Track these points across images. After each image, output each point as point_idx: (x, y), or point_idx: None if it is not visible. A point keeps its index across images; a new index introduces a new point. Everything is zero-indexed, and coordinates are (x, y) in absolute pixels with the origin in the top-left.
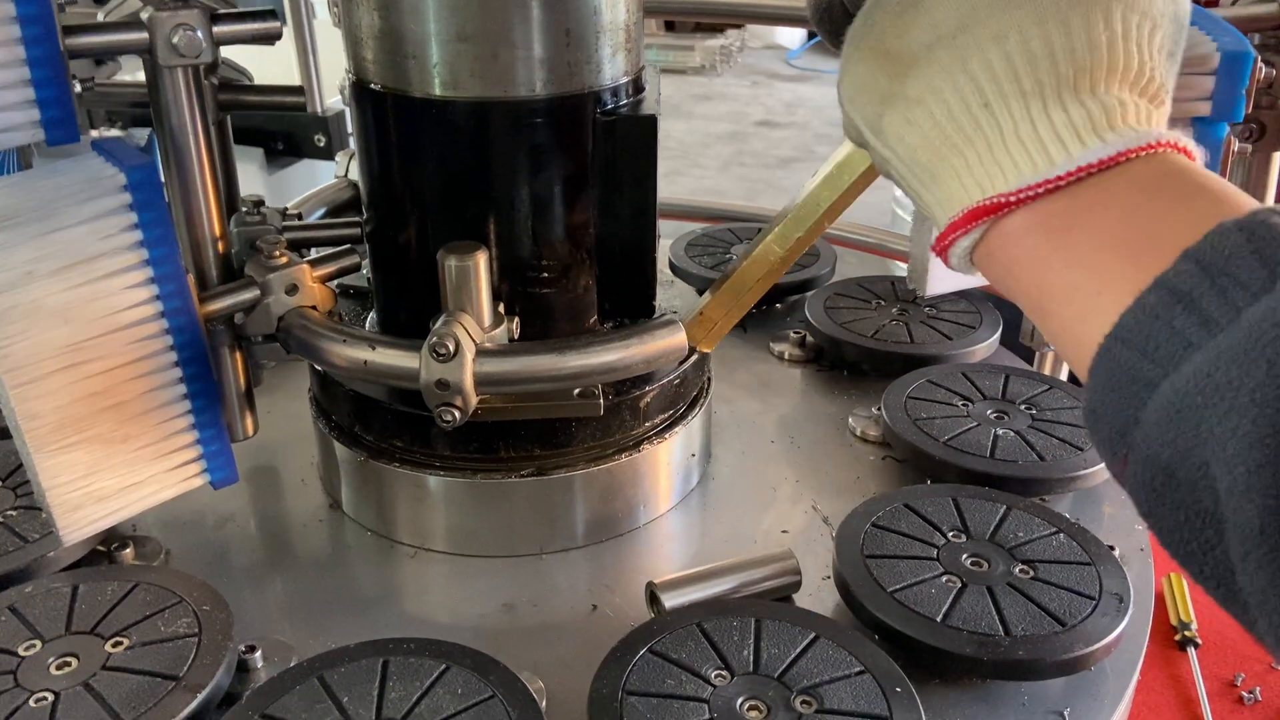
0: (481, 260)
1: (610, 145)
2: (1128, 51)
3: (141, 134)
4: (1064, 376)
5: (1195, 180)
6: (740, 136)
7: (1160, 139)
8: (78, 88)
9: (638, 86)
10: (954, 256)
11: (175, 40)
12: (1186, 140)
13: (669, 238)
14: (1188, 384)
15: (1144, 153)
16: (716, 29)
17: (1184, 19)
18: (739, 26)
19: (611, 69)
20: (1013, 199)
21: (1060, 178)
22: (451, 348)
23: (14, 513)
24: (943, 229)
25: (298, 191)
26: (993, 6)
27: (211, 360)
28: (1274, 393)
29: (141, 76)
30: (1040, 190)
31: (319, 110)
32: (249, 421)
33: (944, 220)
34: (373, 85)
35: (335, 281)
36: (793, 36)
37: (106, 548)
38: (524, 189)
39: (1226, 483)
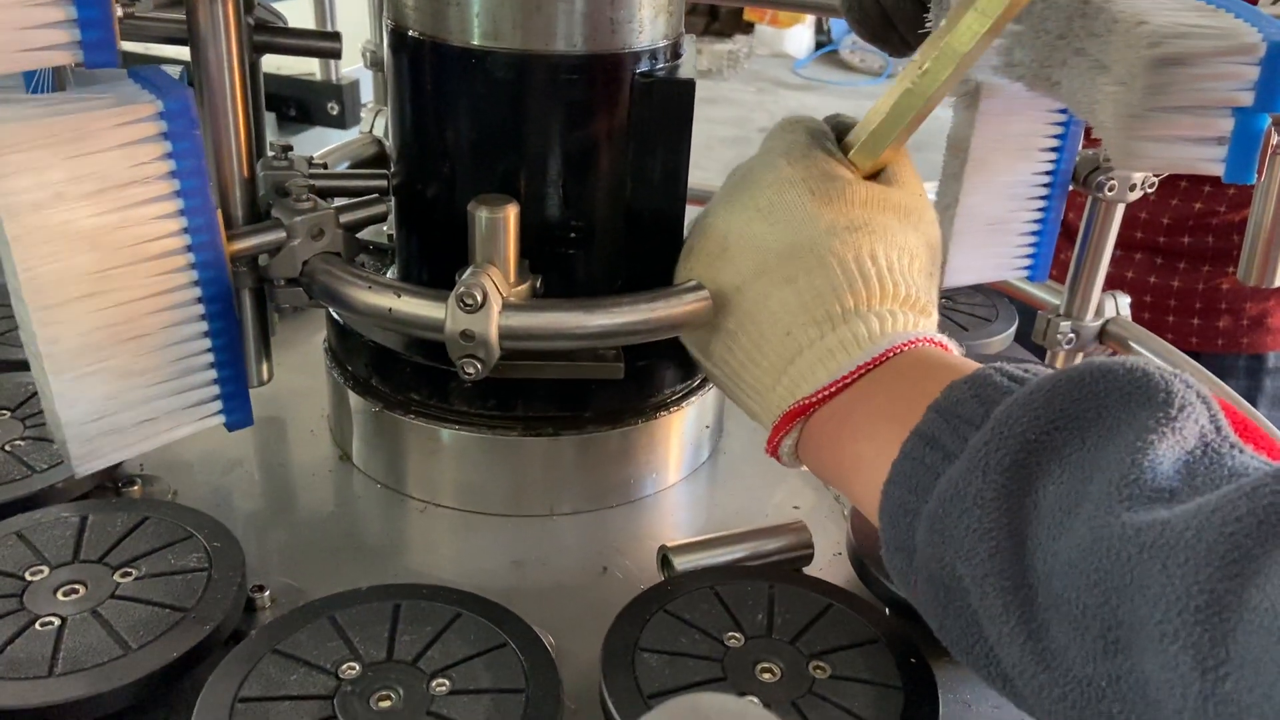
0: (512, 213)
1: (646, 107)
2: (894, 280)
3: (173, 71)
4: None
5: (942, 361)
6: (744, 141)
7: (917, 337)
8: (119, 12)
9: (676, 52)
10: (783, 455)
11: None
12: (941, 336)
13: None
14: (936, 503)
15: (905, 348)
16: (725, 34)
17: (937, 246)
18: (748, 32)
19: (652, 31)
20: (814, 400)
21: (845, 377)
22: (479, 298)
23: (22, 443)
24: (769, 433)
25: None
26: (781, 255)
27: (234, 300)
28: (992, 494)
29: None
30: (833, 389)
31: (334, 78)
32: (265, 367)
33: (768, 424)
34: (411, 32)
35: (358, 235)
36: (800, 46)
37: (114, 484)
38: (557, 146)
39: (970, 576)
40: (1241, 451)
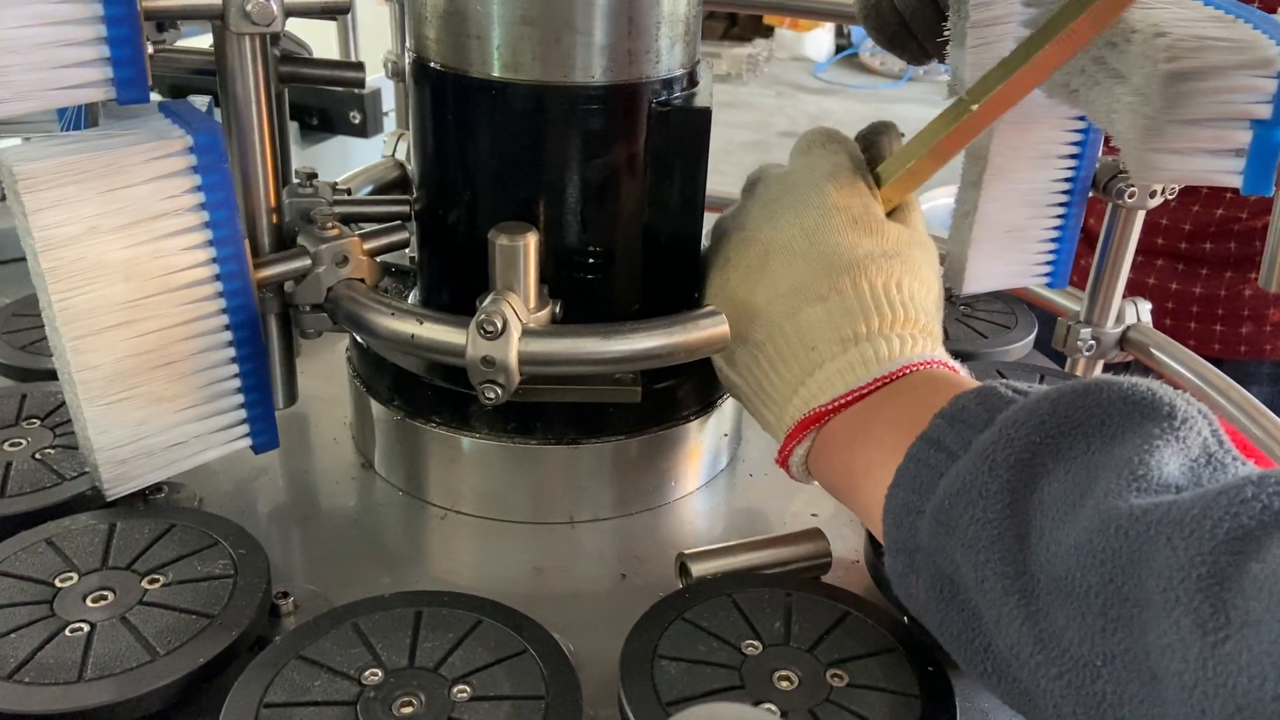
0: (532, 241)
1: (663, 135)
2: (915, 308)
3: (201, 101)
4: None
5: (951, 380)
6: (763, 146)
7: (929, 359)
8: (150, 49)
9: (692, 80)
10: (794, 465)
11: (248, 7)
12: (954, 362)
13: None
14: (940, 499)
15: (920, 368)
16: (744, 38)
17: (941, 281)
18: (767, 36)
19: (669, 60)
20: (830, 408)
21: (861, 388)
22: (499, 325)
23: (52, 451)
24: (781, 442)
25: (330, 166)
26: (815, 275)
27: (260, 326)
28: (997, 488)
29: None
30: (849, 399)
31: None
32: (290, 389)
33: (781, 434)
34: (433, 64)
35: (380, 258)
36: (820, 49)
37: (141, 491)
38: (576, 174)
39: (970, 564)
40: (1244, 464)
